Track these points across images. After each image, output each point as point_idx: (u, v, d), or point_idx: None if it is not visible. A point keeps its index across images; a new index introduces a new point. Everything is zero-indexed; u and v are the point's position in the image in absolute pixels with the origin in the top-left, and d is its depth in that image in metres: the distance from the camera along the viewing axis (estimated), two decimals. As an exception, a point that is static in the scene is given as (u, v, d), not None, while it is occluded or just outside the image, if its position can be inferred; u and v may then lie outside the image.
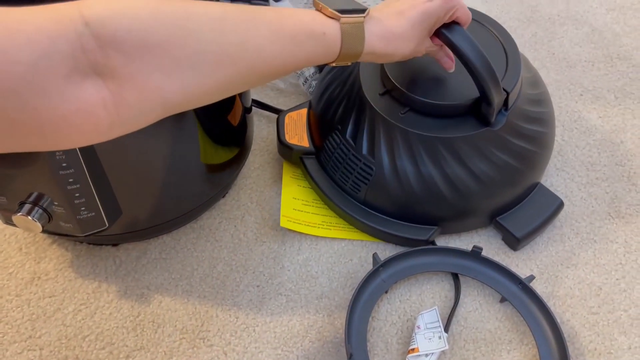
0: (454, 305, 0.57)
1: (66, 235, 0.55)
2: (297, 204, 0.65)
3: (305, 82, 0.75)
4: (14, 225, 0.51)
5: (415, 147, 0.57)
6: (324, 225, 0.64)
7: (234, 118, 0.60)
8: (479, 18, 0.64)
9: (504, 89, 0.56)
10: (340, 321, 0.57)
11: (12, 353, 0.55)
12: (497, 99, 0.55)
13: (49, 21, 0.31)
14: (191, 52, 0.35)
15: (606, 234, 0.64)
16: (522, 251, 0.62)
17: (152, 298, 0.59)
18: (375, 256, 0.58)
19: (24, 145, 0.33)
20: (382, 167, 0.59)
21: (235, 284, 0.60)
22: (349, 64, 0.48)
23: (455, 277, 0.60)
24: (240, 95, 0.60)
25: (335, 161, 0.62)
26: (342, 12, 0.45)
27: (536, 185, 0.63)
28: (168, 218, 0.60)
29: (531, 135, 0.60)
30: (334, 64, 0.47)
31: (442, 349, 0.53)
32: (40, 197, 0.50)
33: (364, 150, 0.59)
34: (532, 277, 0.57)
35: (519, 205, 0.62)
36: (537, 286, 0.58)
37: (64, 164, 0.47)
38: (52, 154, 0.46)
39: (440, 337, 0.53)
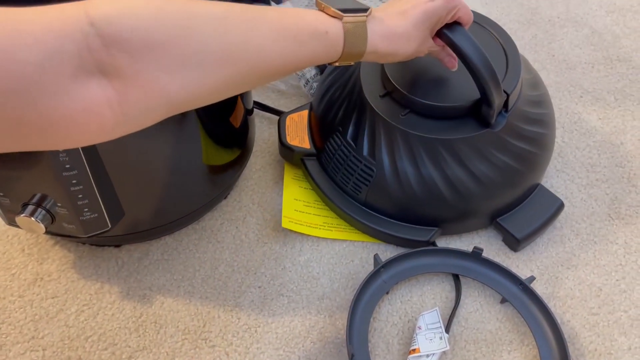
0: (454, 306, 0.58)
1: (69, 236, 0.55)
2: (299, 205, 0.66)
3: (307, 83, 0.75)
4: (17, 226, 0.52)
5: (416, 149, 0.58)
6: (325, 226, 0.65)
7: (236, 120, 0.61)
8: (479, 20, 0.64)
9: (504, 91, 0.57)
10: (342, 322, 0.57)
11: (15, 354, 0.55)
12: (497, 100, 0.55)
13: (55, 21, 0.31)
14: (194, 50, 0.36)
15: (606, 235, 0.64)
16: (523, 252, 0.62)
17: (154, 299, 0.59)
18: (376, 257, 0.58)
19: (29, 144, 0.33)
20: (383, 169, 0.59)
21: (237, 284, 0.60)
22: (352, 63, 0.48)
23: (456, 278, 0.60)
24: (242, 96, 0.60)
25: (336, 163, 0.63)
26: (345, 11, 0.45)
27: (536, 186, 0.64)
28: (170, 219, 0.60)
29: (531, 137, 0.60)
30: (337, 64, 0.47)
31: (443, 350, 0.53)
32: (43, 198, 0.50)
33: (365, 152, 0.60)
34: (532, 278, 0.57)
35: (520, 206, 0.63)
36: (537, 287, 0.59)
37: (68, 166, 0.47)
38: (55, 155, 0.46)
39: (441, 338, 0.54)
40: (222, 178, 0.63)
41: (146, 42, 0.33)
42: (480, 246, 0.60)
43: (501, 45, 0.62)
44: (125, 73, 0.33)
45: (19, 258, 0.62)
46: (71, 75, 0.31)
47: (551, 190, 0.65)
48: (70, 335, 0.56)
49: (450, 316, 0.57)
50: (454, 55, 0.56)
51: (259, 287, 0.60)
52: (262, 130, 0.74)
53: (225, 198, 0.67)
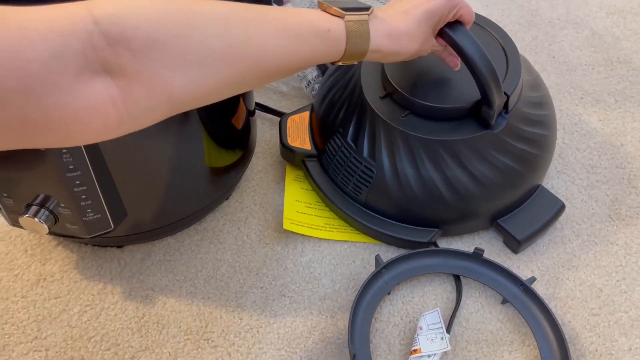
0: (455, 307, 0.58)
1: (72, 237, 0.56)
2: (300, 206, 0.66)
3: (308, 85, 0.76)
4: (20, 227, 0.52)
5: (416, 150, 0.58)
6: (326, 227, 0.65)
7: (238, 121, 0.61)
8: (479, 21, 0.64)
9: (504, 92, 0.57)
10: (343, 322, 0.58)
11: (18, 354, 0.55)
12: (497, 101, 0.55)
13: (60, 20, 0.31)
14: (196, 49, 0.36)
15: (607, 236, 0.64)
16: (524, 253, 0.63)
17: (157, 299, 0.59)
18: (377, 258, 0.59)
19: (34, 142, 0.33)
20: (383, 170, 0.59)
21: (239, 285, 0.60)
22: (355, 63, 0.48)
23: (457, 278, 0.60)
24: (244, 98, 0.61)
25: (336, 164, 0.63)
26: (347, 10, 0.45)
27: (537, 187, 0.64)
28: (172, 220, 0.60)
29: (532, 138, 0.60)
30: (340, 63, 0.47)
31: (445, 350, 0.53)
32: (46, 199, 0.50)
33: (365, 153, 0.60)
34: (533, 279, 0.58)
35: (520, 207, 0.63)
36: (538, 288, 0.59)
37: (71, 166, 0.47)
38: (59, 156, 0.47)
39: (442, 338, 0.54)
40: (224, 179, 0.63)
41: (149, 41, 0.34)
42: (481, 247, 0.60)
43: (501, 46, 0.62)
44: (128, 71, 0.34)
45: (22, 259, 0.62)
46: (76, 74, 0.32)
47: (552, 191, 0.65)
48: (73, 336, 0.57)
49: (451, 316, 0.57)
50: (457, 54, 0.56)
51: (261, 287, 0.60)
52: (264, 131, 0.74)
53: (227, 199, 0.67)
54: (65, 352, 0.55)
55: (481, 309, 0.59)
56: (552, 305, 0.58)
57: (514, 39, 0.63)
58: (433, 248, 0.61)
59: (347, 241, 0.64)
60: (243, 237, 0.64)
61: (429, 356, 0.53)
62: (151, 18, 0.34)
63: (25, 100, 0.31)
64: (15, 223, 0.54)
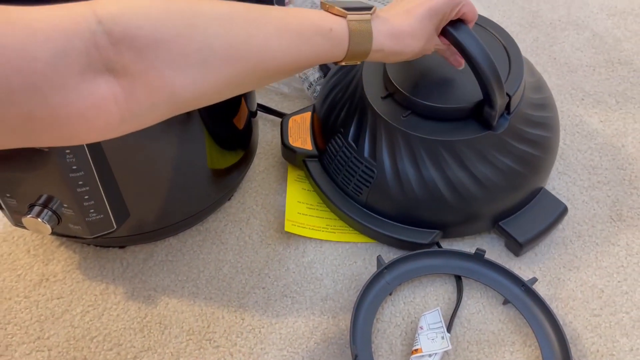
0: (455, 306, 0.58)
1: (74, 237, 0.56)
2: (302, 207, 0.66)
3: (310, 87, 0.76)
4: (23, 227, 0.52)
5: (417, 150, 0.58)
6: (328, 228, 0.65)
7: (240, 121, 0.61)
8: (482, 22, 0.64)
9: (507, 93, 0.57)
10: (345, 322, 0.58)
11: (21, 354, 0.55)
12: (499, 101, 0.55)
13: (64, 20, 0.32)
14: (198, 48, 0.36)
15: (608, 237, 0.64)
16: (525, 254, 0.63)
17: (159, 300, 0.59)
18: (379, 258, 0.59)
19: (38, 140, 0.34)
20: (384, 170, 0.59)
21: (241, 285, 0.61)
22: (358, 63, 0.48)
23: (458, 278, 0.60)
24: (246, 99, 0.61)
25: (337, 164, 0.63)
26: (349, 9, 0.45)
27: (540, 190, 0.63)
28: (175, 220, 0.60)
29: (534, 140, 0.60)
30: (343, 63, 0.47)
31: (445, 349, 0.53)
32: (50, 199, 0.51)
33: (366, 153, 0.60)
34: (534, 280, 0.58)
35: (522, 210, 0.62)
36: (539, 288, 0.59)
37: (74, 167, 0.48)
38: (62, 156, 0.47)
39: (443, 338, 0.54)
40: (226, 180, 0.64)
41: (151, 40, 0.34)
42: (483, 248, 0.60)
43: (504, 47, 0.62)
44: (131, 70, 0.34)
45: (24, 259, 0.62)
46: (80, 73, 0.32)
47: (553, 192, 0.65)
48: (76, 336, 0.57)
49: (452, 316, 0.57)
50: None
51: (263, 288, 0.60)
52: (266, 132, 0.75)
53: (229, 200, 0.67)
54: (67, 352, 0.56)
55: (482, 309, 0.59)
56: (553, 306, 0.58)
57: (515, 41, 0.63)
58: (435, 249, 0.61)
59: (348, 242, 0.64)
60: (245, 237, 0.64)
61: (429, 356, 0.53)
62: (153, 18, 0.35)
63: (31, 98, 0.31)
64: (18, 223, 0.54)
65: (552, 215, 0.62)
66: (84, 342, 0.56)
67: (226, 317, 0.58)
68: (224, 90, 0.40)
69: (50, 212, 0.51)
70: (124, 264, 0.62)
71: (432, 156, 0.58)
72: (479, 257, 0.59)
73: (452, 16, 0.51)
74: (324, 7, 0.47)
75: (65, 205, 0.51)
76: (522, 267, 0.62)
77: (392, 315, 0.58)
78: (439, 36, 0.53)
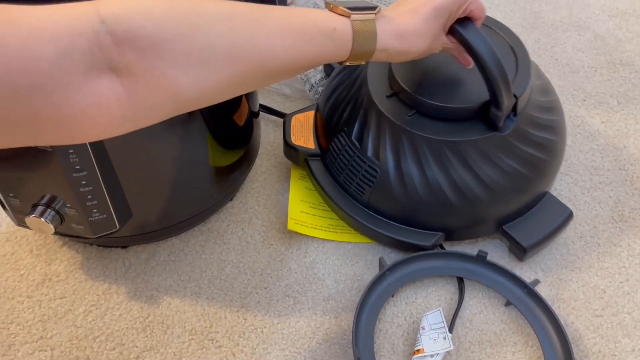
0: (457, 307, 0.58)
1: (77, 237, 0.56)
2: (305, 206, 0.66)
3: (312, 88, 0.76)
4: (26, 227, 0.52)
5: (421, 150, 0.57)
6: (330, 228, 0.65)
7: (242, 122, 0.61)
8: (489, 23, 0.63)
9: (514, 94, 0.56)
10: (347, 323, 0.58)
11: (24, 354, 0.56)
12: (506, 102, 0.54)
13: (68, 19, 0.32)
14: (201, 48, 0.36)
15: (610, 238, 0.64)
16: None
17: (161, 299, 0.59)
18: (381, 260, 0.59)
19: (41, 138, 0.34)
20: (387, 170, 0.59)
21: (243, 285, 0.61)
22: (363, 63, 0.48)
23: (460, 279, 0.60)
24: (248, 99, 0.61)
25: (340, 163, 0.63)
26: (353, 9, 0.45)
27: (545, 194, 0.63)
28: (177, 220, 0.60)
29: (540, 143, 0.59)
30: (347, 63, 0.47)
31: (447, 350, 0.53)
32: (53, 199, 0.51)
33: (369, 153, 0.59)
34: (537, 281, 0.58)
35: (527, 214, 0.61)
36: (541, 289, 0.59)
37: (77, 167, 0.48)
38: (65, 156, 0.47)
39: (444, 338, 0.54)
40: (228, 180, 0.64)
41: (154, 40, 0.34)
42: (485, 250, 0.60)
43: (511, 48, 0.61)
44: (134, 69, 0.34)
45: (27, 259, 0.62)
46: (83, 72, 0.32)
47: (554, 193, 0.65)
48: (78, 336, 0.57)
49: (453, 316, 0.57)
50: None
51: (265, 288, 0.60)
52: (268, 132, 0.75)
53: (231, 200, 0.68)
54: (70, 351, 0.56)
55: (484, 310, 0.59)
56: (555, 307, 0.58)
57: (522, 42, 0.63)
58: (437, 250, 0.61)
59: (350, 242, 0.64)
60: (247, 237, 0.64)
61: (431, 356, 0.53)
62: (156, 17, 0.35)
63: (35, 97, 0.31)
64: (21, 223, 0.55)
65: (557, 220, 0.61)
66: (87, 342, 0.56)
67: (228, 317, 0.58)
68: (226, 90, 0.40)
69: (53, 212, 0.51)
70: (126, 264, 0.62)
71: (436, 156, 0.57)
72: (481, 259, 0.59)
73: (460, 14, 0.50)
74: (328, 6, 0.46)
75: (68, 205, 0.51)
76: (524, 268, 0.62)
77: (394, 316, 0.58)
78: (447, 35, 0.52)
